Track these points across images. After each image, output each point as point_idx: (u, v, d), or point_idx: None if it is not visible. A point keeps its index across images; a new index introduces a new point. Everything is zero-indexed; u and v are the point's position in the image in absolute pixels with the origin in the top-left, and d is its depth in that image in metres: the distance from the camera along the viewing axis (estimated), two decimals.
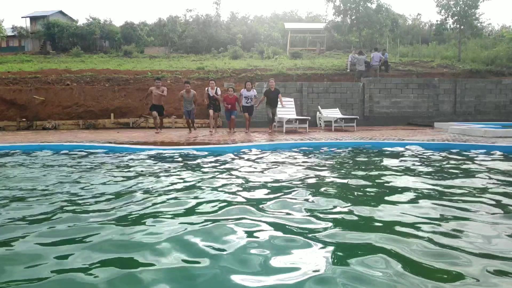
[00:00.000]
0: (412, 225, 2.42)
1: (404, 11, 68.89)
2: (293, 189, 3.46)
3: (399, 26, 29.61)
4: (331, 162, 5.33)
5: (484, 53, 19.40)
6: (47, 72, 16.67)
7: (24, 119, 13.79)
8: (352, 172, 4.46)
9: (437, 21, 29.25)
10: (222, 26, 34.42)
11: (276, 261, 1.86)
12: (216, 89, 10.58)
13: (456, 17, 19.87)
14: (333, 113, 13.05)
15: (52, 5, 74.23)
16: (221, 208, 2.84)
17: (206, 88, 10.69)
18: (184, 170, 4.64)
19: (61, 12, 41.93)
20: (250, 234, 2.25)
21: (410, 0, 63.36)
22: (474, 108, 15.31)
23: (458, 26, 20.33)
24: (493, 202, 3.01)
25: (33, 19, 40.36)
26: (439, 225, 2.42)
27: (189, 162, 5.32)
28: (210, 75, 16.37)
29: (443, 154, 6.07)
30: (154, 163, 5.19)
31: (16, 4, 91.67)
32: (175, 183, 3.81)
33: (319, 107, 13.60)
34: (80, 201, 3.10)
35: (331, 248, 2.02)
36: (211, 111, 10.57)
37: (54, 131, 12.62)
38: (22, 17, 49.60)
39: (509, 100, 15.44)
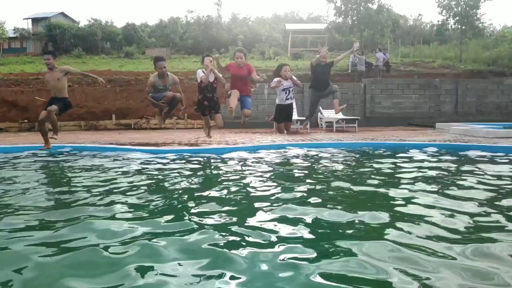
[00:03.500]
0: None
1: (405, 12, 68.97)
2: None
3: (400, 26, 29.63)
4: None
5: (485, 54, 19.39)
6: None
7: (25, 121, 13.83)
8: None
9: (438, 21, 29.28)
10: (223, 27, 34.45)
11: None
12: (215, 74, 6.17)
13: (457, 18, 19.90)
14: (334, 114, 13.04)
15: (54, 7, 74.65)
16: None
17: (199, 72, 6.29)
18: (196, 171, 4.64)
19: (62, 14, 42.03)
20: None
21: (411, 0, 63.35)
22: (475, 108, 15.30)
23: (459, 26, 20.35)
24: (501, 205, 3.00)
25: (35, 20, 40.48)
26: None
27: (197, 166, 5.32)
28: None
29: (445, 155, 6.06)
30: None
31: (18, 6, 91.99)
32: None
33: (320, 107, 13.60)
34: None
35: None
36: (205, 118, 6.53)
37: None
38: (23, 19, 49.91)
39: (511, 100, 15.42)
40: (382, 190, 3.51)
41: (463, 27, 20.16)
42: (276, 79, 6.35)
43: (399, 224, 2.48)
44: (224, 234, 2.28)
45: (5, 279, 1.68)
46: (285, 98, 6.57)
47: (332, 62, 7.06)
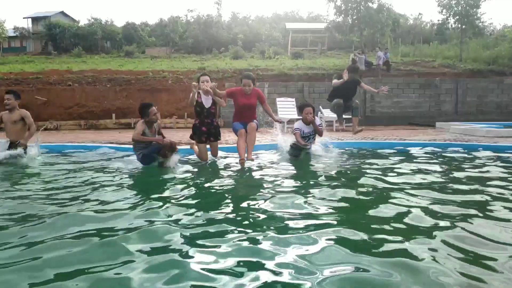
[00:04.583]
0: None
1: (405, 11, 68.89)
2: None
3: (400, 25, 29.60)
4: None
5: (486, 53, 19.36)
6: (49, 73, 16.71)
7: None
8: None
9: (438, 20, 29.29)
10: (223, 26, 34.44)
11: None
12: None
13: (457, 17, 19.87)
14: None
15: (54, 6, 74.57)
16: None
17: (193, 93, 5.12)
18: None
19: (62, 13, 41.98)
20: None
21: None
22: (475, 108, 15.27)
23: (459, 25, 20.32)
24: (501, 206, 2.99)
25: (35, 19, 40.42)
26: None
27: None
28: (211, 75, 16.25)
29: (445, 154, 6.06)
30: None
31: (18, 5, 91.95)
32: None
33: (320, 107, 13.59)
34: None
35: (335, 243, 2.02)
36: (201, 146, 5.36)
37: (56, 132, 12.64)
38: (23, 18, 49.82)
39: (511, 99, 15.40)
40: (381, 189, 3.51)
41: (463, 27, 20.13)
42: (296, 129, 5.48)
43: (404, 225, 2.48)
44: (223, 231, 2.29)
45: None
46: (303, 145, 5.52)
47: (359, 81, 6.66)
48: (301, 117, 5.70)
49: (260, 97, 5.28)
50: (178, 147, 5.53)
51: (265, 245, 2.07)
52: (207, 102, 5.26)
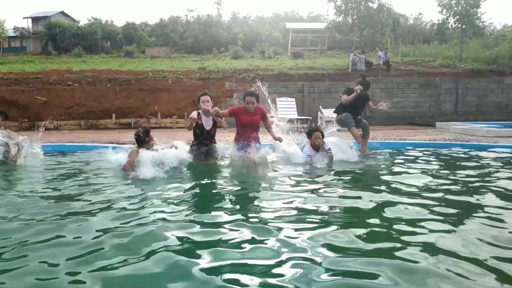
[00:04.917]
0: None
1: (405, 11, 68.90)
2: None
3: (400, 25, 29.58)
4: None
5: (486, 53, 19.36)
6: (49, 73, 16.70)
7: (25, 120, 13.83)
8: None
9: (438, 20, 29.19)
10: (223, 26, 34.41)
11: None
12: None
13: (457, 17, 19.86)
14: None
15: (54, 6, 74.51)
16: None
17: (194, 113, 4.98)
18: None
19: (62, 13, 41.94)
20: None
21: None
22: (475, 108, 15.29)
23: (459, 25, 20.31)
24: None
25: (35, 19, 40.38)
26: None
27: None
28: (211, 75, 16.30)
29: (445, 154, 6.06)
30: None
31: (18, 5, 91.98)
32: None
33: (320, 107, 13.60)
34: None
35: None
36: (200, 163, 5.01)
37: (56, 132, 12.64)
38: (23, 18, 49.80)
39: (511, 99, 15.41)
40: (380, 189, 3.51)
41: (464, 26, 20.12)
42: (309, 156, 5.19)
43: (407, 228, 2.48)
44: (223, 232, 2.29)
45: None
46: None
47: (369, 98, 6.50)
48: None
49: (263, 115, 5.14)
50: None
51: (266, 245, 2.08)
52: (207, 124, 5.03)
